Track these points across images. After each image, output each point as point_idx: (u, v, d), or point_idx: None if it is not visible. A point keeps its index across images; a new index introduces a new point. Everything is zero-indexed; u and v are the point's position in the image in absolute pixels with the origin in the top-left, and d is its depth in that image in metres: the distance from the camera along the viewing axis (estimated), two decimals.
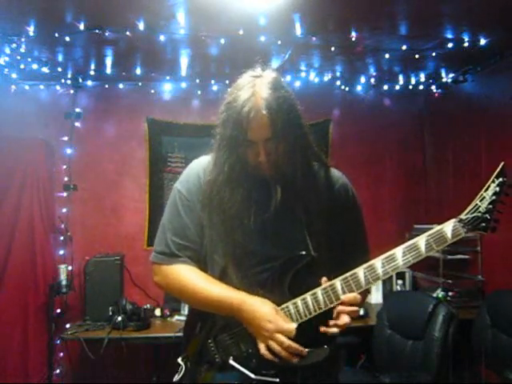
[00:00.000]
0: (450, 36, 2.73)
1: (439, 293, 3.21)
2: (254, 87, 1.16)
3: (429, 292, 3.23)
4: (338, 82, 3.67)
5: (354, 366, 3.08)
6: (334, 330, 1.12)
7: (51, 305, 3.08)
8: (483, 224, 1.10)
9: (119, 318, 2.91)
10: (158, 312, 3.27)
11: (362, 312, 2.90)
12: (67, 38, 2.64)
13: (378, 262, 1.14)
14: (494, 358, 2.65)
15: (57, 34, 2.59)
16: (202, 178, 1.28)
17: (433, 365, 2.44)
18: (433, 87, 3.70)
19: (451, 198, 3.59)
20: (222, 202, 1.22)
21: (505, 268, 3.01)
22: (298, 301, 1.18)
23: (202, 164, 1.32)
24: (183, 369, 1.27)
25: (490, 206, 1.09)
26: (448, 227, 1.11)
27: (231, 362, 1.19)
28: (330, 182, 1.31)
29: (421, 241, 1.12)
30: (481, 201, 1.10)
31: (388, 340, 2.79)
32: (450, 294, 3.23)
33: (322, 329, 1.13)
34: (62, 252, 3.40)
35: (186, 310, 3.20)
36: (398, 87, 3.74)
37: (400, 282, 3.49)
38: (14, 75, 3.24)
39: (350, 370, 2.89)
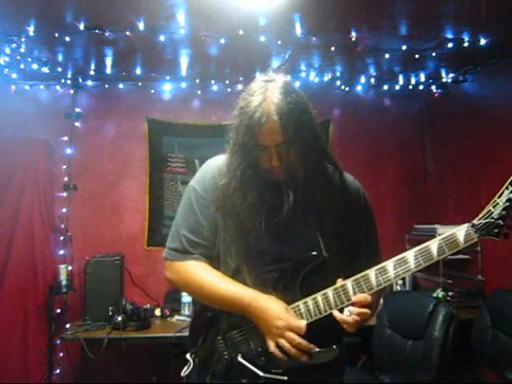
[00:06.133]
0: (450, 36, 2.72)
1: (439, 293, 3.20)
2: (266, 92, 1.17)
3: (429, 292, 3.23)
4: (338, 82, 3.66)
5: (354, 366, 3.07)
6: (349, 322, 1.12)
7: (51, 305, 3.08)
8: (496, 230, 1.10)
9: (119, 318, 2.91)
10: (157, 312, 3.27)
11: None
12: (67, 38, 2.64)
13: (389, 264, 1.14)
14: (494, 358, 2.65)
15: (57, 34, 2.59)
16: (216, 177, 1.29)
17: (433, 365, 2.44)
18: (433, 87, 3.69)
19: (451, 198, 3.58)
20: (234, 206, 1.23)
21: (505, 268, 3.01)
22: (309, 300, 1.18)
23: (217, 164, 1.32)
24: (191, 365, 1.28)
25: (504, 213, 1.09)
26: (461, 232, 1.11)
27: (240, 359, 1.19)
28: (343, 185, 1.31)
29: (433, 244, 1.12)
30: (494, 207, 1.10)
31: (388, 340, 2.79)
32: (450, 293, 3.23)
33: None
34: (62, 252, 3.40)
35: (186, 310, 3.20)
36: (397, 87, 3.73)
37: (400, 281, 3.47)
38: (14, 75, 3.24)
39: (350, 370, 2.89)
